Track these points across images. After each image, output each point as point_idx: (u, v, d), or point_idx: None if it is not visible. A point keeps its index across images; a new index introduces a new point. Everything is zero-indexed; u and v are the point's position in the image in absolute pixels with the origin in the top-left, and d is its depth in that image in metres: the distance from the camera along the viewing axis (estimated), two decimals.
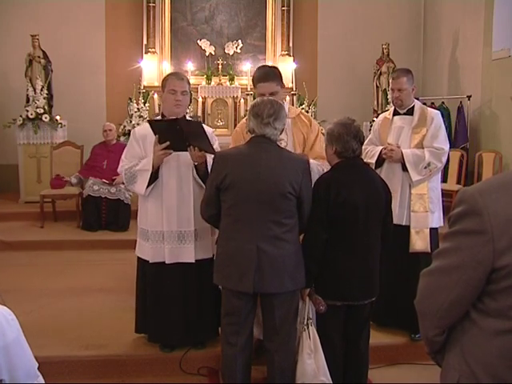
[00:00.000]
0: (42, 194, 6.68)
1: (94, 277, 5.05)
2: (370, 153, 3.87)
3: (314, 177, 2.98)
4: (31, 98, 7.46)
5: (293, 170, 2.80)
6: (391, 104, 4.09)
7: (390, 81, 3.99)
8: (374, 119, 4.52)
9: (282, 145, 3.15)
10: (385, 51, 8.31)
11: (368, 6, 8.86)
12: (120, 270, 5.05)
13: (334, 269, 2.87)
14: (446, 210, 4.28)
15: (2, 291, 3.79)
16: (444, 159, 3.79)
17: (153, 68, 8.30)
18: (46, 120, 7.40)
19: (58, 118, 7.59)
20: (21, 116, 7.39)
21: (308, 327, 2.89)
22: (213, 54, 8.43)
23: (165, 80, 3.44)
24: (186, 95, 3.39)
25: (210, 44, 8.45)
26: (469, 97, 7.42)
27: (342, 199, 2.80)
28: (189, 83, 3.45)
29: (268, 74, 3.32)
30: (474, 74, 7.52)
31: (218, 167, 2.85)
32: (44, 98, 7.45)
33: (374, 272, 2.94)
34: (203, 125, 3.25)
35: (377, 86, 8.40)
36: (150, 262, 3.40)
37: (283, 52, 8.60)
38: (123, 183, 3.86)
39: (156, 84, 7.82)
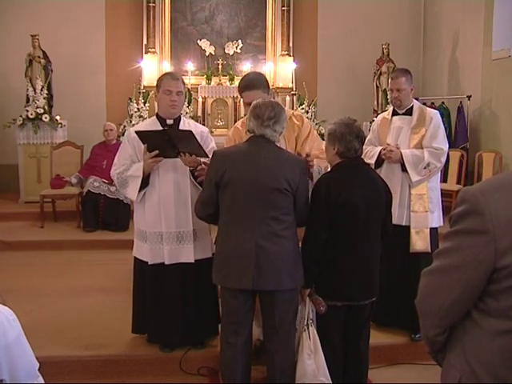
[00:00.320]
0: (42, 194, 6.68)
1: (93, 277, 5.05)
2: (369, 153, 3.86)
3: (315, 177, 2.97)
4: (31, 98, 7.44)
5: (290, 168, 2.80)
6: (391, 104, 4.09)
7: (389, 81, 3.99)
8: (374, 119, 4.52)
9: None
10: (385, 51, 8.31)
11: (368, 6, 8.85)
12: (120, 270, 5.03)
13: (334, 269, 2.86)
14: (446, 209, 4.29)
15: (2, 291, 3.77)
16: (443, 159, 3.79)
17: (153, 68, 8.30)
18: (46, 120, 7.38)
19: (58, 118, 7.58)
20: (21, 116, 7.38)
21: (308, 327, 2.88)
22: (213, 53, 8.43)
23: (159, 80, 3.41)
24: (181, 95, 3.37)
25: (210, 44, 8.45)
26: (469, 97, 7.41)
27: (342, 200, 2.79)
28: (184, 83, 3.42)
29: (251, 83, 3.26)
30: (474, 74, 7.51)
31: (216, 164, 2.84)
32: (44, 98, 7.44)
33: (374, 272, 2.93)
34: (192, 131, 3.18)
35: (377, 86, 8.39)
36: (150, 263, 3.39)
37: (283, 52, 8.60)
38: None
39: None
